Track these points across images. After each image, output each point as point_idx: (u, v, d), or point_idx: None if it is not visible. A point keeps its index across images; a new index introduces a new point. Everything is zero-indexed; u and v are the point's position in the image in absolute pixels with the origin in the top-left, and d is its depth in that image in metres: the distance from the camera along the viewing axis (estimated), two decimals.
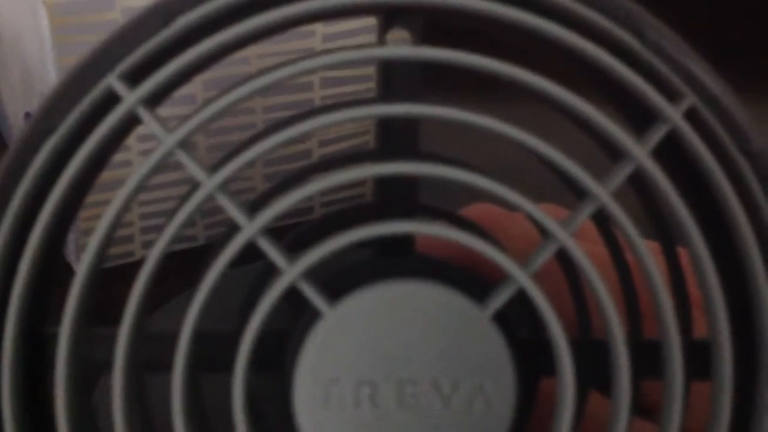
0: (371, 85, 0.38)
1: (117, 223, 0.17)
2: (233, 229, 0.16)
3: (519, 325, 0.18)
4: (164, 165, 0.17)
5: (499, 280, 0.17)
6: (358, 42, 0.37)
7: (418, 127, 0.19)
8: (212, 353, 0.19)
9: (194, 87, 0.35)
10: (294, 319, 0.18)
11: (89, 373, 0.18)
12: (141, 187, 0.17)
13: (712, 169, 0.16)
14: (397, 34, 0.19)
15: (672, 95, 0.16)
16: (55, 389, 0.16)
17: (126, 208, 0.17)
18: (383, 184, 0.19)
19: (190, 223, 0.16)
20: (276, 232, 0.17)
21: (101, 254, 0.17)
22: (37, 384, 0.17)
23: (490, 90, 0.36)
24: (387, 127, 0.19)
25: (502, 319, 0.17)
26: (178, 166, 0.36)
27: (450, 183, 0.16)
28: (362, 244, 0.17)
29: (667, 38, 0.17)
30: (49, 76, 0.33)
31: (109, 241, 0.17)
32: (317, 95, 0.38)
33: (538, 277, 0.16)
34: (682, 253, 0.21)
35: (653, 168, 0.16)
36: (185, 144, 0.16)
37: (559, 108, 0.17)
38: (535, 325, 0.20)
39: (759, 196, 0.17)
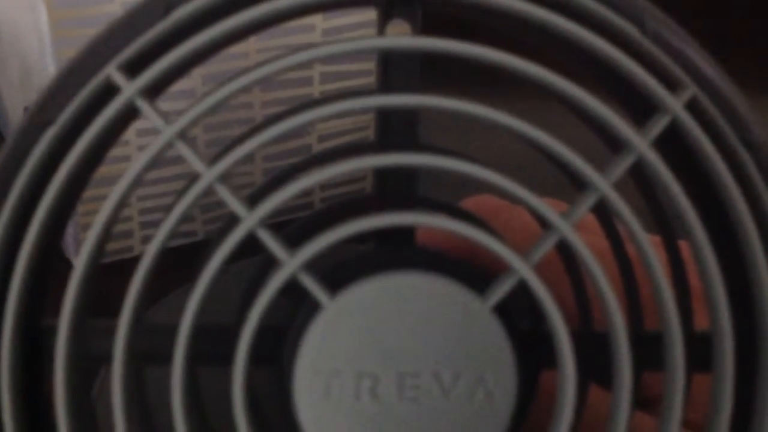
0: (371, 80, 0.38)
1: (117, 215, 0.17)
2: (232, 221, 0.16)
3: (519, 317, 0.18)
4: (163, 159, 0.17)
5: (498, 272, 0.17)
6: (358, 36, 0.37)
7: (418, 119, 0.19)
8: (211, 346, 0.18)
9: (193, 81, 0.35)
10: (291, 314, 0.18)
11: (88, 365, 0.18)
12: (140, 180, 0.16)
13: (713, 160, 0.16)
14: (398, 26, 0.19)
15: (672, 85, 0.16)
16: (54, 381, 0.16)
17: (126, 200, 0.16)
18: (383, 176, 0.19)
19: (189, 218, 0.16)
20: (274, 228, 0.16)
21: (101, 246, 0.17)
22: (33, 377, 0.17)
23: (490, 85, 0.36)
24: (386, 119, 0.19)
25: (502, 310, 0.16)
26: (176, 160, 0.36)
27: (450, 175, 0.16)
28: (361, 238, 0.17)
29: (667, 27, 0.16)
30: (48, 69, 0.33)
31: (108, 233, 0.17)
32: (317, 90, 0.38)
33: (539, 269, 0.16)
34: (683, 246, 0.21)
35: (655, 159, 0.16)
36: (184, 135, 0.16)
37: (560, 99, 0.17)
38: (535, 317, 0.20)
39: (760, 186, 0.16)
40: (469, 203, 0.27)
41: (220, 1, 0.16)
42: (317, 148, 0.39)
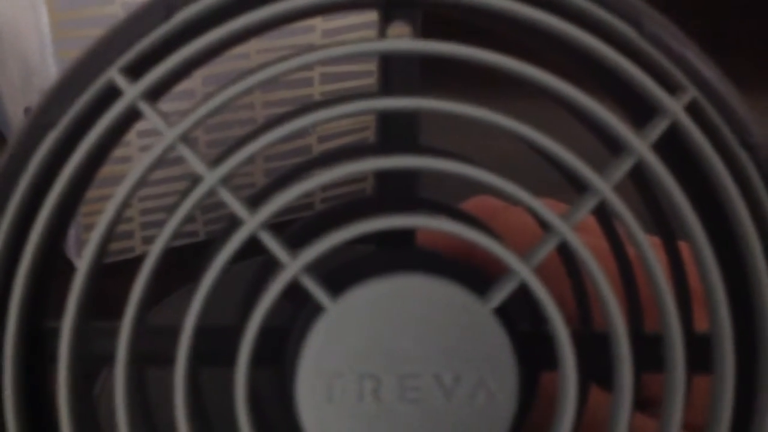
0: (371, 81, 0.38)
1: (119, 216, 0.17)
2: (234, 223, 0.16)
3: (518, 319, 0.18)
4: (165, 160, 0.17)
5: (497, 274, 0.17)
6: (358, 37, 0.37)
7: (419, 121, 0.19)
8: (213, 347, 0.19)
9: (194, 82, 0.35)
10: (293, 316, 0.18)
11: (90, 366, 0.18)
12: (142, 182, 0.17)
13: (713, 163, 0.16)
14: (398, 28, 0.19)
15: (672, 88, 0.16)
16: (57, 382, 0.16)
17: (128, 201, 0.17)
18: (384, 178, 0.19)
19: (190, 218, 0.16)
20: (275, 228, 0.16)
21: (104, 247, 0.17)
22: (34, 378, 0.17)
23: (489, 88, 0.36)
24: (387, 121, 0.19)
25: (503, 312, 0.17)
26: (177, 161, 0.36)
27: (450, 177, 0.16)
28: (360, 240, 0.17)
29: (666, 29, 0.16)
30: (49, 71, 0.33)
31: (111, 234, 0.17)
32: (317, 91, 0.38)
33: (539, 271, 0.16)
34: (682, 247, 0.21)
35: (655, 161, 0.16)
36: (186, 138, 0.16)
37: (559, 102, 0.17)
38: (534, 318, 0.20)
39: (760, 189, 0.17)
40: (468, 204, 0.27)
41: (221, 4, 0.16)
42: (318, 148, 0.39)
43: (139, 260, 0.16)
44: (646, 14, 0.16)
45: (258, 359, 0.16)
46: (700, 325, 0.21)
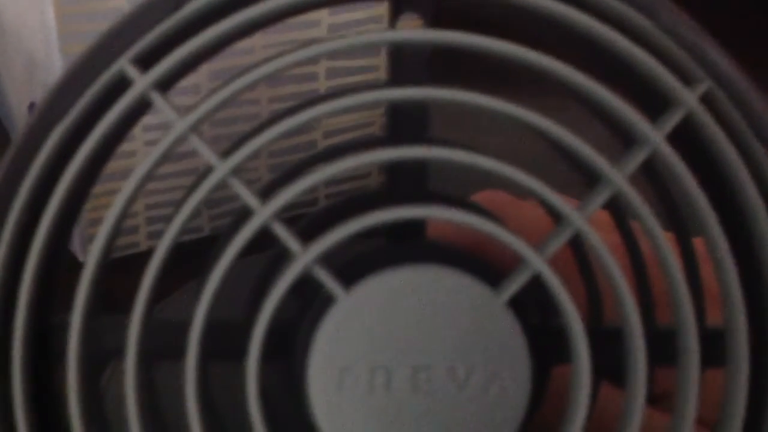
0: (378, 75, 0.38)
1: (129, 208, 0.17)
2: (244, 215, 0.16)
3: (528, 314, 0.18)
4: (171, 155, 0.16)
5: (506, 268, 0.17)
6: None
7: (429, 113, 0.19)
8: (222, 341, 0.18)
9: (199, 77, 0.35)
10: (302, 309, 0.18)
11: (99, 360, 0.18)
12: (152, 174, 0.16)
13: (728, 155, 0.16)
14: (408, 20, 0.19)
15: (687, 79, 0.16)
16: (66, 375, 0.16)
17: (138, 193, 0.16)
18: (394, 170, 0.19)
19: (195, 213, 0.16)
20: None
21: (113, 239, 0.17)
22: (40, 372, 0.17)
23: (497, 83, 0.36)
24: (397, 113, 0.19)
25: (516, 305, 0.16)
26: (185, 156, 0.36)
27: (456, 171, 0.16)
28: (368, 234, 0.17)
29: (682, 20, 0.16)
30: (55, 65, 0.33)
31: (119, 227, 0.17)
32: (323, 86, 0.37)
33: (551, 263, 0.16)
34: (695, 243, 0.21)
35: (670, 152, 0.16)
36: (197, 129, 0.16)
37: (572, 93, 0.17)
38: (545, 313, 0.20)
39: None
40: (477, 198, 0.27)
41: None
42: (323, 144, 0.39)
43: (143, 256, 0.16)
44: (662, 5, 0.16)
45: (268, 352, 0.16)
46: (711, 321, 0.21)
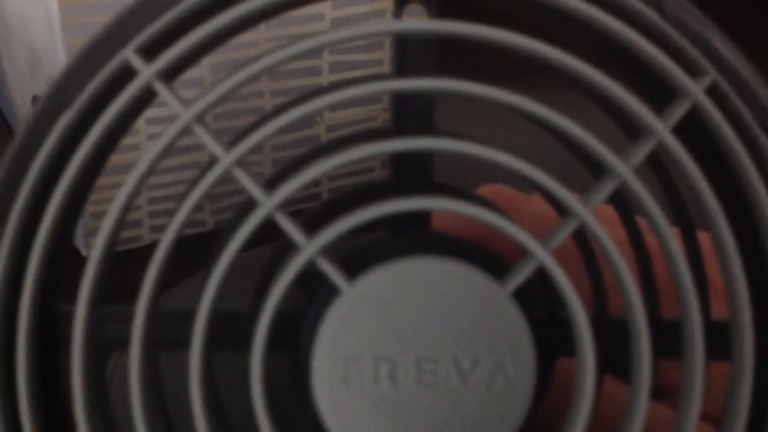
0: (382, 69, 0.38)
1: (132, 201, 0.17)
2: (249, 206, 0.16)
3: (533, 306, 0.18)
4: (173, 148, 0.16)
5: (509, 261, 0.17)
6: None
7: (434, 104, 0.19)
8: (227, 332, 0.18)
9: (202, 70, 0.35)
10: (307, 301, 0.18)
11: (103, 349, 0.18)
12: (156, 165, 0.16)
13: (733, 147, 0.16)
14: (414, 11, 0.19)
15: (693, 71, 0.16)
16: (70, 365, 0.16)
17: (143, 183, 0.16)
18: (399, 162, 0.19)
19: (198, 207, 0.16)
20: None
21: (118, 229, 0.17)
22: (45, 362, 0.17)
23: (502, 78, 0.36)
24: (403, 104, 0.19)
25: (520, 297, 0.16)
26: (188, 149, 0.36)
27: (459, 165, 0.16)
28: (372, 226, 0.17)
29: (687, 12, 0.16)
30: (58, 57, 0.33)
31: (123, 219, 0.17)
32: (326, 80, 0.37)
33: (556, 256, 0.16)
34: (700, 237, 0.21)
35: (675, 143, 0.16)
36: (202, 119, 0.16)
37: (578, 85, 0.17)
38: (548, 305, 0.20)
39: None
40: (481, 192, 0.27)
41: None
42: (326, 138, 0.39)
43: (147, 249, 0.16)
44: None
45: (272, 343, 0.16)
46: (716, 315, 0.21)
